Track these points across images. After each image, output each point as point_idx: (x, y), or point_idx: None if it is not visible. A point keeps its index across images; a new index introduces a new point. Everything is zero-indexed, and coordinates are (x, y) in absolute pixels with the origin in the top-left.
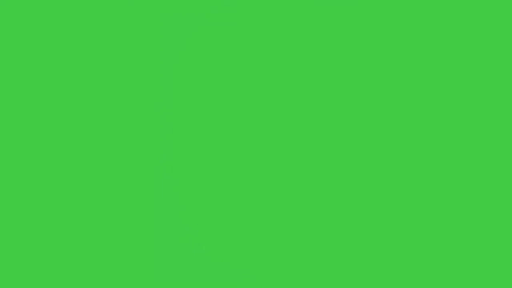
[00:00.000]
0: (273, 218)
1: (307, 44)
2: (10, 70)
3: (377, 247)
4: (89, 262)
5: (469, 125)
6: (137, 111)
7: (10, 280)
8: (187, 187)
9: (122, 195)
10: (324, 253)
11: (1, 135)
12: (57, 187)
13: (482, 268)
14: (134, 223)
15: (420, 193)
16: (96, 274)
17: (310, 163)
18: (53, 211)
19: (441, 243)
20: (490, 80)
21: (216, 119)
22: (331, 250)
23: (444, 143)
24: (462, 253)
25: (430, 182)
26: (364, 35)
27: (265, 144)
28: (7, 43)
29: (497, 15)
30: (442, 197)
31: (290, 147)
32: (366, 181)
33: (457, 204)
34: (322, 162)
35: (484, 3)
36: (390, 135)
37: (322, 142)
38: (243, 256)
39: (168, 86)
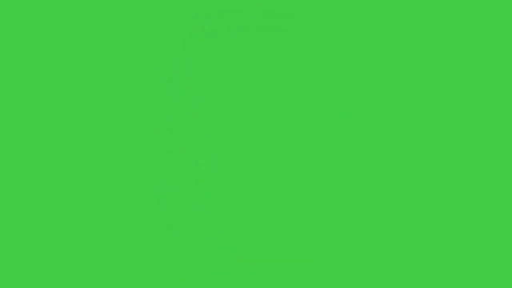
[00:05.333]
0: (271, 217)
1: (307, 45)
2: (8, 71)
3: (376, 247)
4: (88, 262)
5: (469, 125)
6: (136, 111)
7: (10, 280)
8: (186, 187)
9: (121, 195)
10: (323, 253)
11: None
12: (55, 187)
13: (482, 268)
14: (133, 223)
15: (419, 193)
16: (96, 274)
17: (309, 164)
18: (52, 211)
19: (441, 243)
20: (490, 80)
21: (215, 119)
22: (330, 250)
23: (443, 143)
24: (462, 253)
25: (429, 182)
26: (364, 36)
27: (264, 144)
28: (5, 43)
29: (497, 15)
30: (441, 197)
31: (289, 147)
32: (366, 181)
33: (457, 204)
34: (322, 162)
35: (484, 3)
36: (390, 136)
37: (322, 143)
38: (242, 255)
39: (167, 86)
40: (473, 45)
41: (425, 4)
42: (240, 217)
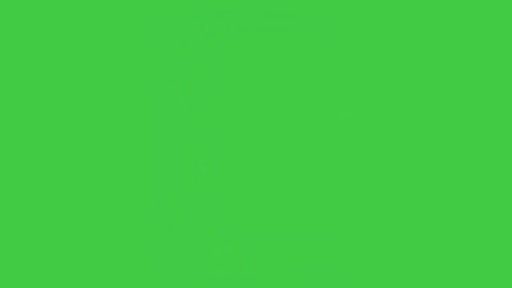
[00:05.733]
0: (271, 217)
1: (307, 45)
2: (7, 71)
3: (377, 247)
4: (88, 262)
5: (469, 126)
6: (136, 111)
7: (10, 280)
8: (186, 187)
9: (119, 195)
10: (323, 253)
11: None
12: (54, 187)
13: (482, 268)
14: (132, 223)
15: (419, 193)
16: (95, 274)
17: (309, 164)
18: (52, 211)
19: (441, 243)
20: (490, 81)
21: (215, 119)
22: (330, 250)
23: (443, 144)
24: (462, 253)
25: (429, 182)
26: (364, 36)
27: (264, 144)
28: (5, 44)
29: (497, 15)
30: (441, 197)
31: (289, 146)
32: (365, 181)
33: (457, 204)
34: (322, 162)
35: (484, 3)
36: (390, 136)
37: (321, 142)
38: (242, 255)
39: (167, 86)
40: (473, 45)
41: (425, 4)
42: (240, 217)
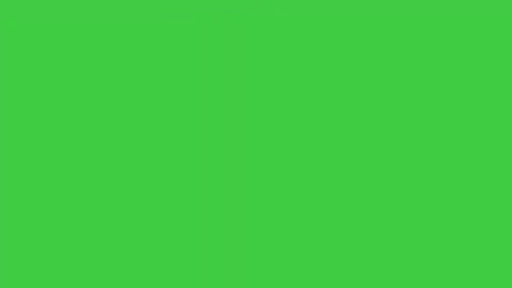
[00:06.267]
0: (271, 218)
1: (307, 44)
2: (5, 70)
3: (377, 247)
4: (87, 263)
5: (469, 125)
6: (134, 111)
7: (9, 280)
8: (185, 187)
9: (118, 195)
10: (322, 253)
11: None
12: (52, 188)
13: (482, 268)
14: (132, 223)
15: (420, 193)
16: (95, 274)
17: (309, 165)
18: (50, 211)
19: (441, 243)
20: (490, 81)
21: (214, 119)
22: (329, 250)
23: (444, 144)
24: (462, 253)
25: (430, 182)
26: (364, 37)
27: (263, 144)
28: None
29: (497, 15)
30: (442, 197)
31: (288, 147)
32: (366, 181)
33: (457, 204)
34: (321, 163)
35: (484, 3)
36: (390, 136)
37: (321, 143)
38: (242, 256)
39: (167, 86)
40: (473, 45)
41: (424, 4)
42: (240, 217)
